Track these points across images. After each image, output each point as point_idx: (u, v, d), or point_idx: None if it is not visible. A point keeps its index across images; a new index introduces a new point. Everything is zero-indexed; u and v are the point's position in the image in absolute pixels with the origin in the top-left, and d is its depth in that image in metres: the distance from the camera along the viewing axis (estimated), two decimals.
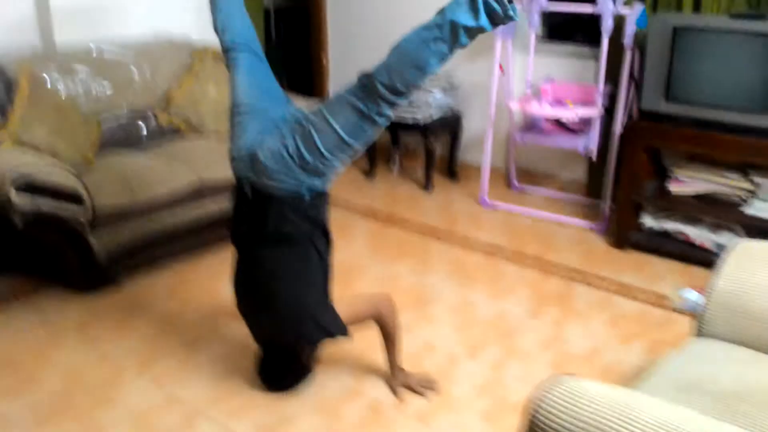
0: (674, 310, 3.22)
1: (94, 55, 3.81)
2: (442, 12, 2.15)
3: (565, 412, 1.44)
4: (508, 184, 4.77)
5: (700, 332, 2.18)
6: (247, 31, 2.57)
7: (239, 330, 2.91)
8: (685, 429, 1.34)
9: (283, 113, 2.44)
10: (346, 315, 2.42)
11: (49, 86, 3.53)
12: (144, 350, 2.83)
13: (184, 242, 3.58)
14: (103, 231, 3.22)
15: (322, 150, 2.28)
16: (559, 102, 4.13)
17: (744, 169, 3.53)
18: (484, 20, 2.12)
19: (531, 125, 4.36)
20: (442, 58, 2.20)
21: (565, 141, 4.13)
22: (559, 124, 4.26)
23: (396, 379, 2.60)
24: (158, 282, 3.40)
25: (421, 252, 3.81)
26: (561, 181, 4.69)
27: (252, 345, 2.76)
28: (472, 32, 2.16)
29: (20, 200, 2.91)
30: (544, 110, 4.03)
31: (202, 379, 2.65)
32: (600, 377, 2.69)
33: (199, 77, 4.06)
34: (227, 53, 2.55)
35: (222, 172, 3.58)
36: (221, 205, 3.62)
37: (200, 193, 3.56)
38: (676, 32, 3.45)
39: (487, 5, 2.09)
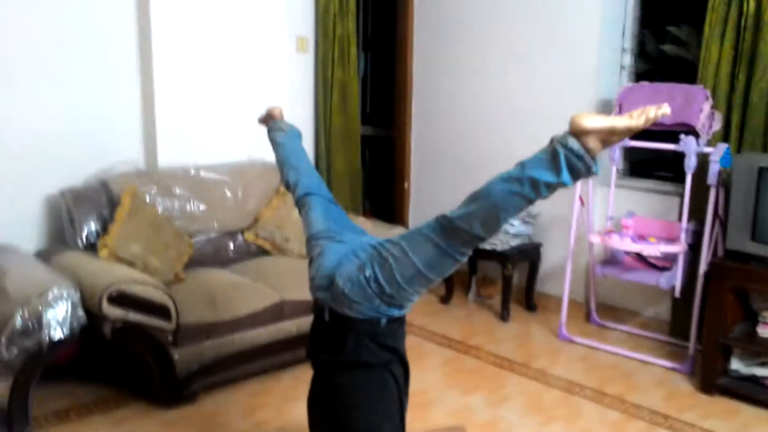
0: None
1: (192, 174, 4.05)
2: (521, 165, 2.12)
3: None
4: (588, 318, 4.68)
5: None
6: (317, 182, 2.71)
7: None
8: None
9: (362, 241, 2.51)
10: None
11: (148, 203, 3.75)
12: None
13: (261, 361, 3.63)
14: (185, 346, 3.31)
15: (400, 280, 2.31)
16: (640, 237, 4.10)
17: None
18: (566, 177, 2.05)
19: (612, 259, 4.31)
20: (521, 209, 2.22)
21: (647, 276, 4.06)
22: (641, 259, 4.21)
23: None
24: (234, 400, 3.43)
25: (496, 384, 3.73)
26: (643, 318, 4.57)
27: None
28: (553, 187, 2.12)
29: (111, 311, 3.05)
30: (626, 244, 4.00)
31: None
32: None
33: (286, 200, 4.24)
34: (300, 201, 2.68)
35: (303, 293, 3.63)
36: (300, 325, 3.69)
37: (281, 313, 3.64)
38: (762, 172, 3.43)
39: (569, 163, 2.03)
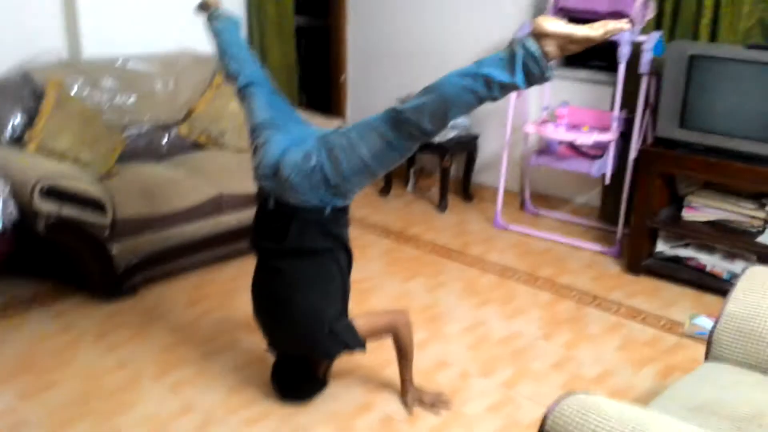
0: (686, 336, 3.24)
1: (119, 65, 3.89)
2: (478, 63, 2.13)
3: (576, 426, 1.47)
4: (522, 207, 4.81)
5: (711, 356, 2.20)
6: (259, 72, 2.68)
7: (255, 342, 2.96)
8: None
9: (307, 131, 2.50)
10: (364, 329, 2.46)
11: (74, 95, 3.61)
12: (161, 358, 2.87)
13: (201, 254, 3.63)
14: (123, 240, 3.28)
15: (345, 171, 2.32)
16: (574, 127, 4.18)
17: (759, 198, 3.56)
18: (520, 78, 2.07)
19: (546, 149, 4.40)
20: (470, 107, 2.23)
21: (579, 165, 4.17)
22: (573, 148, 4.30)
23: (409, 394, 2.62)
24: (176, 292, 3.45)
25: (435, 271, 3.84)
26: (574, 205, 4.72)
27: (267, 357, 2.80)
28: (506, 88, 2.12)
29: (44, 205, 2.98)
30: (559, 134, 4.08)
31: (218, 388, 2.68)
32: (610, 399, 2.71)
33: (220, 92, 4.14)
34: (241, 92, 2.64)
35: (241, 186, 3.67)
36: (239, 218, 3.68)
37: (219, 206, 3.61)
38: (693, 61, 3.50)
39: (525, 65, 2.04)
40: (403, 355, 2.59)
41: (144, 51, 4.07)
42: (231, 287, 3.52)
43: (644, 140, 4.01)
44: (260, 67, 2.72)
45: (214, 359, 2.88)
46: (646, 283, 3.78)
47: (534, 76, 2.09)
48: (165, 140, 4.03)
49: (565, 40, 2.02)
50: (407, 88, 4.87)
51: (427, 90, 2.23)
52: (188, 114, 4.10)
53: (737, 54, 3.42)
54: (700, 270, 3.69)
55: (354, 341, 2.44)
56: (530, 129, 4.17)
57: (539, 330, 3.25)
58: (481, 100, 2.18)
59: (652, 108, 3.97)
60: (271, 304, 2.50)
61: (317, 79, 6.03)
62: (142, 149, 3.91)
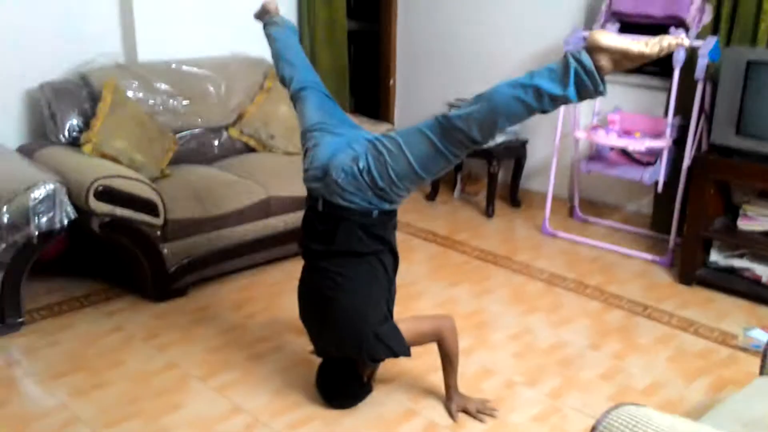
0: (740, 349, 3.15)
1: (173, 69, 3.96)
2: (531, 74, 2.13)
3: None
4: (571, 214, 4.75)
5: (765, 370, 2.14)
6: (313, 77, 2.72)
7: (300, 345, 2.99)
8: None
9: (357, 135, 2.51)
10: (409, 334, 2.46)
11: (129, 98, 3.68)
12: (209, 360, 2.91)
13: (249, 257, 3.67)
14: (174, 241, 3.34)
15: (393, 176, 2.34)
16: (626, 132, 4.11)
17: None
18: (572, 91, 2.07)
19: (597, 155, 4.33)
20: (520, 118, 2.22)
21: (631, 172, 4.09)
22: (625, 154, 4.23)
23: (453, 402, 2.61)
24: (224, 295, 3.49)
25: (481, 277, 3.82)
26: (625, 213, 4.64)
27: (312, 359, 2.82)
28: (557, 101, 2.12)
29: (98, 206, 3.05)
30: (611, 140, 4.01)
31: (264, 391, 2.71)
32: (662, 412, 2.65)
33: (271, 96, 4.18)
34: (294, 96, 2.68)
35: (289, 189, 3.71)
36: (286, 221, 3.72)
37: (268, 209, 3.65)
38: (750, 66, 3.41)
39: (578, 78, 2.04)
40: (448, 361, 2.57)
41: (197, 55, 4.14)
42: (277, 290, 3.55)
43: (698, 147, 3.92)
44: (314, 72, 2.76)
45: (260, 362, 2.91)
46: (698, 293, 3.69)
47: (587, 91, 2.08)
48: (216, 143, 4.09)
49: (620, 55, 2.02)
50: (455, 93, 4.87)
51: (477, 99, 2.23)
52: (239, 117, 4.15)
53: None
54: (755, 281, 3.59)
55: (399, 346, 2.44)
56: (581, 135, 4.11)
57: (587, 339, 3.20)
58: (531, 112, 2.17)
59: (707, 115, 3.87)
60: (316, 305, 2.52)
61: (367, 83, 6.05)
62: (194, 152, 3.97)
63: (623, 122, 4.20)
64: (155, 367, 2.85)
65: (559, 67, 2.08)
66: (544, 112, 2.19)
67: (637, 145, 3.95)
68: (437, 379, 2.71)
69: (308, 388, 2.70)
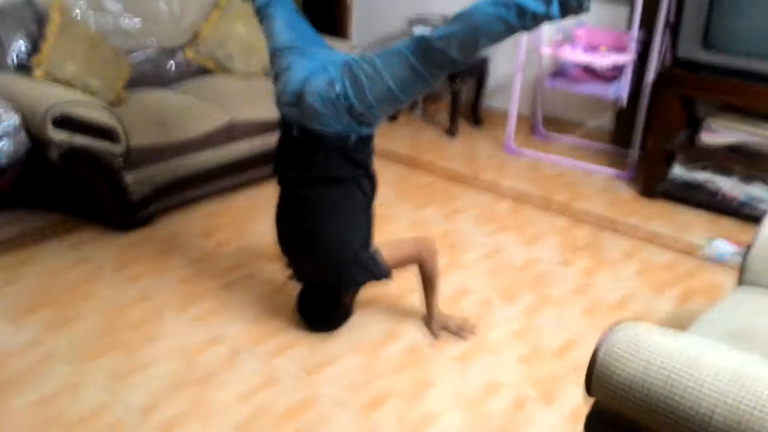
0: (704, 259, 3.24)
1: None
2: None
3: (629, 358, 1.46)
4: (533, 131, 4.75)
5: (744, 281, 2.20)
6: None
7: (275, 271, 2.96)
8: (755, 374, 1.36)
9: (331, 56, 2.41)
10: (390, 257, 2.45)
11: (78, 19, 3.47)
12: (183, 290, 2.85)
13: (214, 183, 3.58)
14: (137, 170, 3.22)
15: (371, 99, 2.26)
16: (592, 48, 4.08)
17: None
18: (555, 9, 2.00)
19: (560, 71, 4.30)
20: (501, 38, 2.15)
21: (596, 88, 4.09)
22: (588, 70, 4.21)
23: (434, 321, 2.63)
24: (191, 223, 3.41)
25: (449, 197, 3.81)
26: (586, 129, 4.66)
27: (289, 286, 2.80)
28: (539, 19, 2.04)
29: (57, 135, 2.91)
30: (577, 56, 3.98)
31: (243, 318, 2.68)
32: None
33: (226, 13, 4.00)
34: (260, 11, 2.54)
35: (252, 112, 3.61)
36: (251, 145, 3.63)
37: (231, 133, 3.54)
38: None
39: None
40: (429, 283, 2.58)
41: None
42: (245, 216, 3.48)
43: (662, 62, 3.92)
44: None
45: (235, 290, 2.87)
46: (661, 206, 3.76)
47: (571, 6, 2.01)
48: (171, 65, 3.91)
49: None
50: (417, 8, 4.74)
51: (457, 18, 2.16)
52: (194, 37, 3.97)
53: None
54: (716, 193, 3.67)
55: (380, 269, 2.43)
56: (547, 51, 4.06)
57: (558, 256, 3.25)
58: (513, 31, 2.11)
59: (671, 28, 3.86)
60: (297, 233, 2.47)
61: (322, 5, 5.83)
62: (149, 74, 3.79)
63: (588, 37, 4.16)
64: (128, 298, 2.79)
65: None
66: (526, 30, 2.13)
67: (603, 60, 3.93)
68: (415, 299, 2.73)
69: (287, 313, 2.69)
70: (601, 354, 1.49)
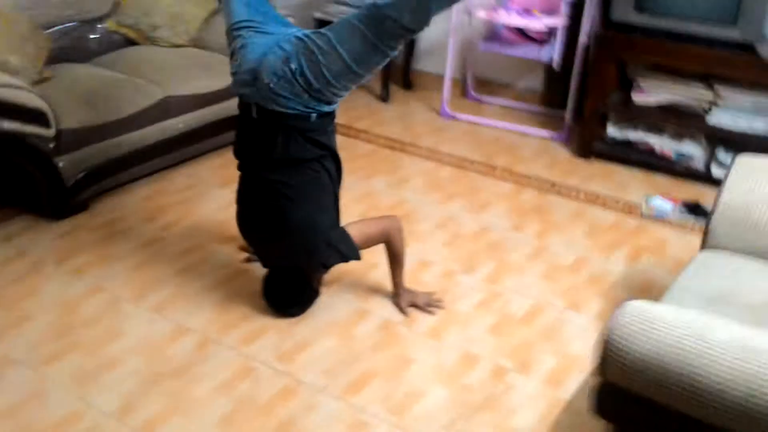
0: (645, 217, 3.36)
1: None
2: None
3: (644, 338, 1.49)
4: (464, 94, 4.76)
5: (708, 245, 2.29)
6: None
7: (230, 254, 2.88)
8: (763, 346, 1.42)
9: (287, 33, 2.33)
10: (358, 238, 2.42)
11: None
12: (136, 279, 2.72)
13: (151, 162, 3.39)
14: (68, 153, 3.02)
15: (328, 76, 2.20)
16: (526, 11, 4.09)
17: (707, 79, 3.64)
18: None
19: (492, 34, 4.31)
20: (454, 1, 2.12)
21: (529, 51, 4.12)
22: (520, 32, 4.23)
23: (402, 298, 2.62)
24: (131, 205, 3.24)
25: (393, 166, 3.78)
26: (516, 90, 4.71)
27: (248, 269, 2.72)
28: None
29: None
30: (513, 19, 3.98)
31: (205, 306, 2.59)
32: (592, 286, 2.81)
33: None
34: None
35: (187, 87, 3.46)
36: (186, 121, 3.47)
37: (166, 110, 3.37)
38: None
39: None
40: (396, 260, 2.56)
41: None
42: (187, 196, 3.34)
43: (591, 24, 3.99)
44: None
45: (192, 276, 2.76)
46: (598, 167, 3.86)
47: None
48: (92, 37, 3.67)
49: None
50: None
51: None
52: (115, 6, 3.73)
53: None
54: (650, 152, 3.80)
55: (350, 250, 2.40)
56: (482, 14, 4.05)
57: (508, 221, 3.29)
58: None
59: None
60: (263, 217, 2.40)
61: None
62: (69, 49, 3.54)
63: (522, 0, 4.17)
64: (77, 292, 2.63)
65: None
66: None
67: (538, 23, 3.95)
68: (378, 274, 2.72)
69: (251, 298, 2.61)
70: (613, 336, 1.52)
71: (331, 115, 2.37)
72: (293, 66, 2.19)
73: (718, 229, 2.24)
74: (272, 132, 2.30)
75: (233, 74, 2.34)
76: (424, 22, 2.16)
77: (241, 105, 2.36)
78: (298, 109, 2.25)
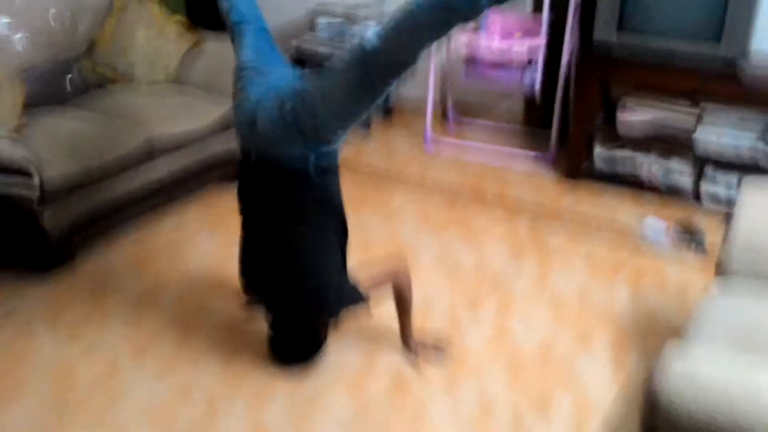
0: (641, 240, 3.35)
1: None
2: None
3: (692, 396, 1.46)
4: (444, 118, 4.72)
5: (722, 271, 2.26)
6: (253, 9, 2.43)
7: (225, 306, 2.79)
8: None
9: (285, 73, 2.28)
10: (367, 283, 2.35)
11: None
12: (132, 337, 2.62)
13: (138, 207, 3.31)
14: (53, 204, 2.91)
15: (323, 116, 2.14)
16: (507, 34, 4.07)
17: (692, 96, 3.65)
18: None
19: (473, 60, 4.26)
20: (445, 31, 2.06)
21: (511, 75, 4.09)
22: (499, 63, 4.20)
23: (412, 343, 2.55)
24: (119, 256, 3.14)
25: (382, 198, 3.73)
26: (496, 111, 4.69)
27: (248, 321, 2.64)
28: (479, 6, 1.95)
29: None
30: (495, 43, 3.96)
31: (208, 361, 2.49)
32: (598, 318, 2.78)
33: (125, 18, 3.66)
34: (233, 28, 2.40)
35: (170, 127, 3.38)
36: (170, 163, 3.38)
37: (151, 152, 3.27)
38: None
39: None
40: (404, 304, 2.50)
41: None
42: (176, 239, 3.25)
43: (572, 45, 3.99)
44: (254, 3, 2.45)
45: (191, 329, 2.67)
46: (586, 188, 3.85)
47: None
48: (68, 80, 3.55)
49: None
50: None
51: (394, 16, 2.05)
52: (90, 47, 3.62)
53: None
54: (637, 171, 3.79)
55: (360, 297, 2.33)
56: (464, 39, 4.01)
57: (506, 251, 3.25)
58: (455, 21, 2.01)
59: (580, 10, 3.92)
60: (269, 266, 2.33)
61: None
62: (45, 93, 3.42)
63: (503, 23, 4.14)
64: (72, 354, 2.52)
65: None
66: (467, 20, 2.04)
67: (520, 46, 3.93)
68: (384, 318, 2.63)
69: (254, 349, 2.53)
70: (659, 392, 1.48)
71: (331, 156, 2.30)
72: (287, 108, 2.14)
73: (733, 257, 2.21)
74: (272, 178, 2.24)
75: (233, 117, 2.29)
76: (417, 55, 2.09)
77: (242, 151, 2.29)
78: (294, 154, 2.19)
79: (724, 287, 2.18)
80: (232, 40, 2.41)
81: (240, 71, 2.29)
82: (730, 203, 3.51)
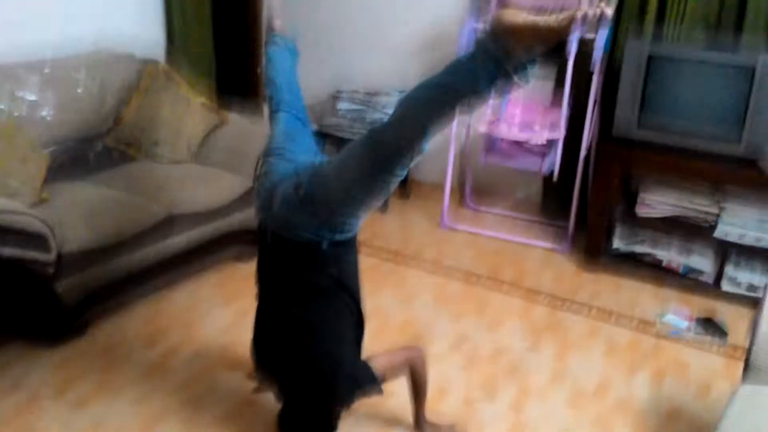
0: (661, 336, 3.28)
1: (35, 70, 3.39)
2: (445, 72, 1.98)
3: None
4: (461, 203, 4.74)
5: (748, 379, 2.20)
6: (293, 99, 2.50)
7: (237, 382, 2.73)
8: None
9: (307, 160, 2.31)
10: (381, 369, 2.29)
11: None
12: (140, 412, 2.55)
13: (152, 282, 3.29)
14: (68, 276, 2.89)
15: (336, 201, 2.16)
16: (526, 125, 4.12)
17: (712, 192, 3.65)
18: (485, 85, 1.91)
19: (491, 145, 4.32)
20: (448, 118, 2.07)
21: (530, 162, 4.14)
22: (517, 144, 4.26)
23: (425, 431, 2.48)
24: (131, 327, 3.10)
25: (399, 280, 3.70)
26: (514, 200, 4.70)
27: (257, 399, 2.58)
28: (478, 96, 1.96)
29: None
30: (513, 133, 4.01)
31: None
32: (619, 414, 2.70)
33: (150, 97, 3.73)
34: (272, 115, 2.48)
35: (191, 204, 3.38)
36: (189, 239, 3.37)
37: (170, 228, 3.27)
38: (651, 60, 3.52)
39: (490, 69, 1.86)
40: (419, 392, 2.44)
41: (58, 52, 3.57)
42: (189, 316, 3.21)
43: (590, 137, 4.03)
44: (296, 93, 2.52)
45: (199, 408, 2.60)
46: (605, 279, 3.81)
47: (498, 79, 1.92)
48: (92, 154, 3.60)
49: (528, 33, 1.82)
50: (338, 82, 4.68)
51: (399, 106, 2.09)
52: (115, 123, 3.68)
53: (695, 55, 3.48)
54: (656, 265, 3.77)
55: (372, 385, 2.27)
56: (483, 128, 4.07)
57: (524, 341, 3.19)
58: (456, 109, 2.03)
59: (600, 104, 3.98)
60: (280, 350, 2.28)
61: (235, 69, 5.61)
62: (68, 167, 3.45)
63: (523, 115, 4.20)
64: (79, 428, 2.45)
65: (469, 62, 1.94)
66: (470, 102, 2.05)
67: (538, 137, 3.98)
68: (397, 404, 2.56)
69: (265, 430, 2.45)
70: None
71: (347, 243, 2.29)
72: (302, 192, 2.16)
73: (760, 361, 2.16)
74: (287, 260, 2.24)
75: (254, 197, 2.32)
76: (424, 141, 2.08)
77: (259, 230, 2.29)
78: (307, 237, 2.18)
79: (749, 396, 2.11)
80: (270, 125, 2.47)
81: (266, 156, 2.33)
82: (752, 289, 3.47)
